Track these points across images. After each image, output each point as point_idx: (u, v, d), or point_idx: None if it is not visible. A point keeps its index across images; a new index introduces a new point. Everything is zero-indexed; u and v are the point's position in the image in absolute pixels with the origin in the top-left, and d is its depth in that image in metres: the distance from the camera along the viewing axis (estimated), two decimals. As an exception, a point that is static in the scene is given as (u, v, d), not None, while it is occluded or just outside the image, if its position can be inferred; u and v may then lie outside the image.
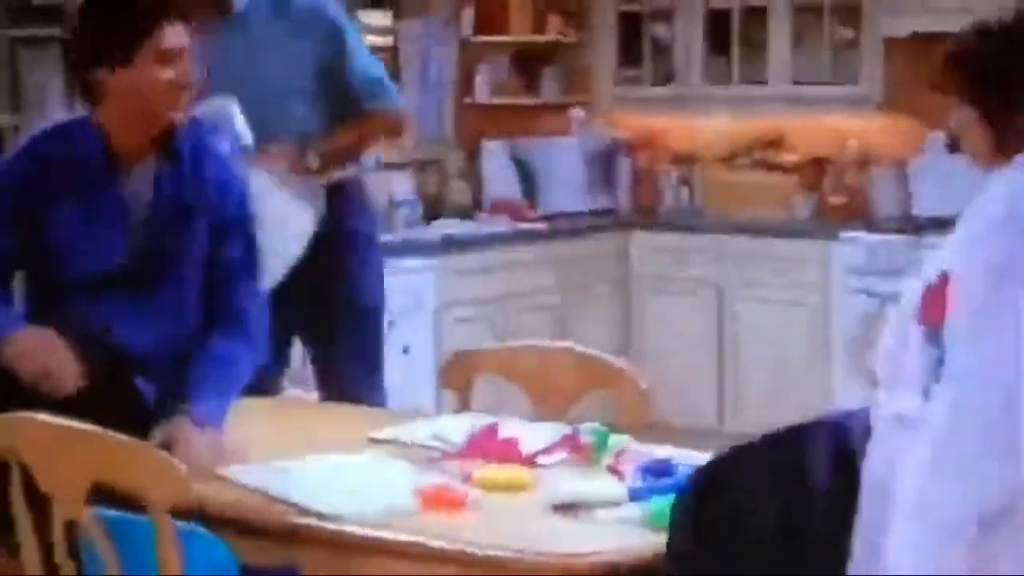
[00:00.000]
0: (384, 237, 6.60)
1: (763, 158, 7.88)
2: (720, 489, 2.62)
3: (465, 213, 7.49)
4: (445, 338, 6.44)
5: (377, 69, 4.48)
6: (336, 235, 4.36)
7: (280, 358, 4.44)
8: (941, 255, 2.56)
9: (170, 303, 3.39)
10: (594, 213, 7.86)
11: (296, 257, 4.20)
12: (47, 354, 3.16)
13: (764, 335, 7.28)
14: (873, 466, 2.61)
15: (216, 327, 3.41)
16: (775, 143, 7.87)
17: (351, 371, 4.44)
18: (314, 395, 4.54)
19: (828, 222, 7.41)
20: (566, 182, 7.81)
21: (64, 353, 3.18)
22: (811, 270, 7.25)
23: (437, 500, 2.93)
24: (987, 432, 2.36)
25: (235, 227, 3.45)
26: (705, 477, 2.65)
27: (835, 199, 7.59)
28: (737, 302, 7.44)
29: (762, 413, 6.57)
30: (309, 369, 4.64)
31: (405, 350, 6.17)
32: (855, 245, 7.02)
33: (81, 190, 3.33)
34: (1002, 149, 2.56)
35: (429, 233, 6.96)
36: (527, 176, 7.78)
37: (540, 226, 7.44)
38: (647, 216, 7.97)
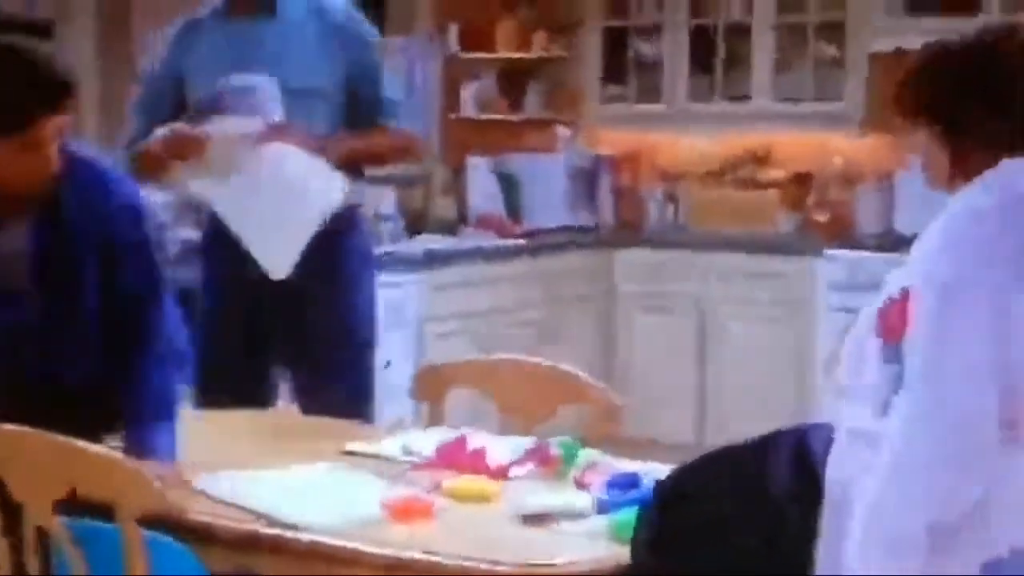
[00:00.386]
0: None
1: (747, 175, 7.91)
2: (681, 500, 2.65)
3: (449, 228, 7.52)
4: (427, 352, 6.44)
5: (398, 93, 4.52)
6: (333, 260, 4.31)
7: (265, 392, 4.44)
8: (901, 271, 2.58)
9: (82, 336, 3.37)
10: (578, 229, 7.88)
11: (314, 225, 4.18)
12: None
13: (747, 351, 7.30)
14: (833, 478, 2.63)
15: (139, 354, 3.35)
16: (759, 160, 7.90)
17: (340, 403, 4.29)
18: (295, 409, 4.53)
19: (812, 239, 7.44)
20: (550, 198, 7.84)
21: None
22: (795, 286, 7.27)
23: (404, 511, 2.95)
24: (942, 446, 2.38)
25: (131, 252, 3.40)
26: (667, 488, 2.68)
27: (819, 216, 7.62)
28: (720, 319, 7.46)
29: (744, 429, 6.42)
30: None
31: (387, 364, 6.17)
32: (839, 262, 7.04)
33: None
34: (960, 169, 2.57)
35: (412, 247, 6.97)
36: (511, 192, 7.81)
37: (524, 241, 7.46)
38: (631, 232, 7.99)
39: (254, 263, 4.18)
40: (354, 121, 4.36)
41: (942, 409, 2.40)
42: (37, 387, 3.30)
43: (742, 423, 7.03)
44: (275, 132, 4.11)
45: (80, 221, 3.31)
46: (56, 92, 3.18)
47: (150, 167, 4.21)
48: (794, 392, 7.04)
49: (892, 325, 2.53)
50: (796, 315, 7.22)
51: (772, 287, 7.33)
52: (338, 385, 4.32)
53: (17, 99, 3.14)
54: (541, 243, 7.54)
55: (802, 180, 7.71)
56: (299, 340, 4.36)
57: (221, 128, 4.10)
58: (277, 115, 4.14)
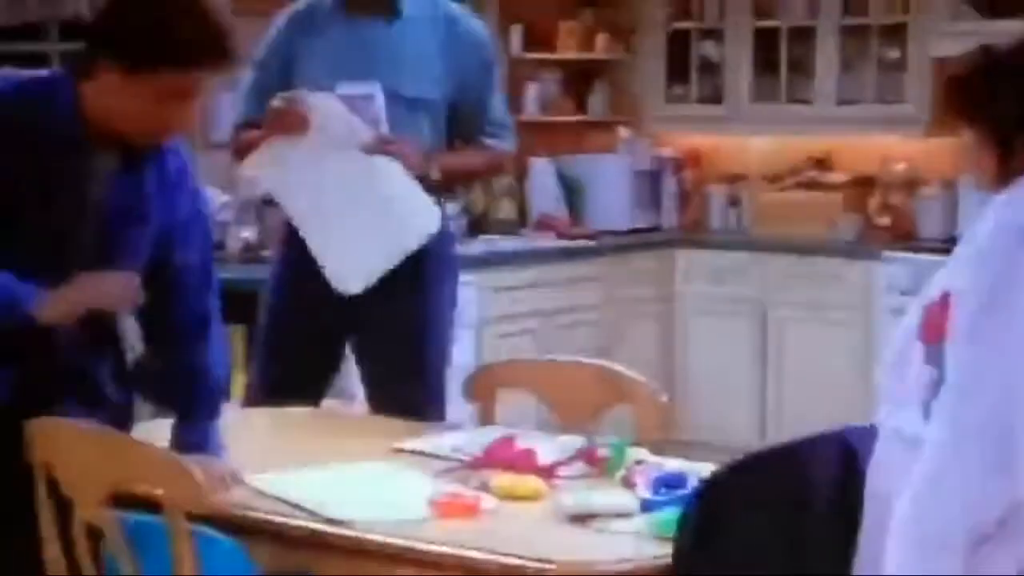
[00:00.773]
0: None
1: (810, 178, 7.89)
2: (722, 500, 2.66)
3: (511, 230, 7.54)
4: (487, 354, 6.46)
5: (506, 110, 4.50)
6: (417, 263, 4.25)
7: (333, 360, 4.44)
8: (943, 274, 2.60)
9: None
10: (640, 231, 7.89)
11: (408, 251, 4.15)
12: (89, 287, 3.05)
13: (807, 354, 7.29)
14: (875, 481, 2.64)
15: (197, 343, 3.32)
16: (822, 163, 7.88)
17: (412, 402, 4.26)
18: (352, 407, 4.56)
19: (873, 242, 7.41)
20: (612, 199, 7.85)
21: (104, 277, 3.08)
22: (856, 290, 7.25)
23: (451, 509, 2.98)
24: (983, 449, 2.39)
25: (193, 233, 3.30)
26: (709, 488, 2.69)
27: (880, 219, 7.59)
28: (781, 321, 7.45)
29: (803, 431, 6.54)
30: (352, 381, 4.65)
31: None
32: (899, 265, 7.01)
33: (45, 159, 3.05)
34: (1005, 171, 2.58)
35: (473, 249, 7.00)
36: (573, 193, 7.83)
37: (586, 243, 7.48)
38: (693, 234, 7.99)
39: None
40: (457, 136, 4.35)
41: (981, 413, 2.41)
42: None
43: (802, 426, 6.97)
44: (384, 145, 4.09)
45: (158, 194, 3.19)
46: (224, 49, 2.99)
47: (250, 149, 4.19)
48: (854, 395, 7.01)
49: (933, 327, 2.54)
50: (857, 319, 7.20)
51: (833, 290, 7.31)
52: (412, 384, 4.30)
53: (186, 37, 2.94)
54: (603, 244, 7.55)
55: (864, 183, 7.68)
56: (375, 338, 4.34)
57: (327, 103, 4.07)
58: (384, 126, 4.11)
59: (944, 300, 2.52)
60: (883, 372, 2.67)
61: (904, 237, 7.43)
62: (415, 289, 4.28)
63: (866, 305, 7.18)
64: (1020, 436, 2.39)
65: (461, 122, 4.34)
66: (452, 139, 4.36)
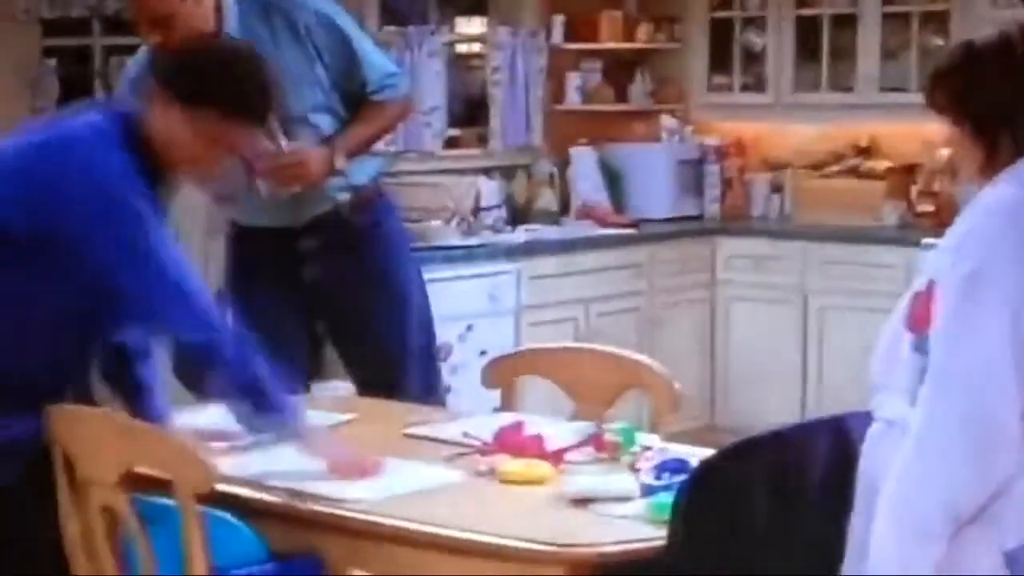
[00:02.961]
0: (468, 241, 6.79)
1: (852, 165, 7.90)
2: (715, 485, 2.71)
3: (553, 219, 7.58)
4: (524, 341, 6.51)
5: (385, 61, 4.56)
6: (366, 246, 4.43)
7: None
8: (930, 263, 2.63)
9: None
10: (682, 219, 7.91)
11: None
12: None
13: (848, 341, 7.28)
14: (866, 467, 2.68)
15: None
16: (864, 150, 7.88)
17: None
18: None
19: (915, 229, 7.40)
20: (655, 188, 7.88)
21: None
22: (897, 277, 7.23)
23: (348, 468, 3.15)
24: (963, 436, 2.42)
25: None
26: (702, 472, 2.74)
27: (923, 207, 7.59)
28: (824, 309, 7.45)
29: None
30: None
31: (482, 353, 6.26)
32: (941, 252, 6.99)
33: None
34: (990, 165, 2.61)
35: (514, 237, 7.05)
36: (615, 182, 7.86)
37: (627, 231, 7.51)
38: (736, 222, 8.01)
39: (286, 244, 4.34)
40: (352, 106, 4.39)
41: (963, 400, 2.44)
42: None
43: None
44: (285, 170, 4.25)
45: None
46: (270, 105, 3.36)
47: None
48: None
49: (919, 316, 2.58)
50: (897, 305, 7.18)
51: (876, 278, 7.30)
52: (383, 348, 4.44)
53: (258, 98, 3.30)
54: (645, 233, 7.58)
55: (907, 171, 7.67)
56: (335, 316, 4.49)
57: None
58: (281, 141, 4.15)
59: (929, 289, 2.56)
60: (876, 360, 2.71)
61: (947, 224, 7.23)
62: (363, 272, 4.44)
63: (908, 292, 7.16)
64: (1000, 421, 2.42)
65: (348, 94, 4.39)
66: (354, 108, 4.40)
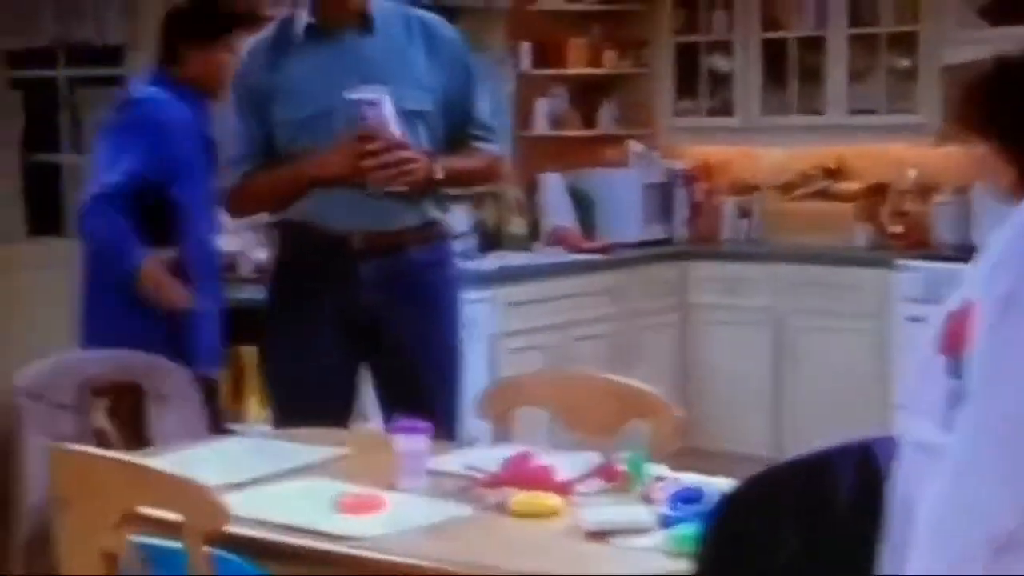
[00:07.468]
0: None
1: (822, 187, 7.89)
2: (744, 515, 2.64)
3: (523, 245, 7.53)
4: (500, 369, 6.46)
5: (493, 117, 4.55)
6: (419, 284, 4.34)
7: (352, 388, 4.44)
8: (964, 285, 2.57)
9: None
10: (652, 243, 7.88)
11: None
12: None
13: (822, 364, 7.27)
14: (897, 491, 2.62)
15: None
16: (834, 172, 7.87)
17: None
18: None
19: (887, 250, 7.39)
20: (624, 213, 7.84)
21: None
22: (869, 299, 7.23)
23: (356, 506, 3.10)
24: (1003, 459, 2.37)
25: None
26: (729, 503, 2.67)
27: (894, 227, 7.58)
28: (795, 331, 7.44)
29: (820, 441, 6.49)
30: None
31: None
32: (914, 273, 6.99)
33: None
34: (1023, 182, 2.56)
35: (485, 264, 7.00)
36: (585, 207, 7.82)
37: (598, 256, 7.46)
38: (705, 246, 7.98)
39: (338, 284, 4.23)
40: (449, 142, 4.36)
41: (1003, 422, 2.38)
42: None
43: (818, 435, 6.93)
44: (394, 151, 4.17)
45: None
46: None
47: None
48: (870, 404, 6.99)
49: (954, 340, 2.51)
50: (871, 327, 7.18)
51: (847, 299, 7.30)
52: (428, 402, 4.24)
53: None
54: (615, 257, 7.54)
55: (877, 192, 7.67)
56: (388, 363, 4.37)
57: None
58: (395, 129, 4.14)
59: (964, 311, 2.50)
60: (905, 383, 2.65)
61: (918, 245, 7.41)
62: (422, 308, 4.33)
63: (880, 313, 7.16)
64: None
65: (450, 129, 4.35)
66: (450, 147, 4.36)
